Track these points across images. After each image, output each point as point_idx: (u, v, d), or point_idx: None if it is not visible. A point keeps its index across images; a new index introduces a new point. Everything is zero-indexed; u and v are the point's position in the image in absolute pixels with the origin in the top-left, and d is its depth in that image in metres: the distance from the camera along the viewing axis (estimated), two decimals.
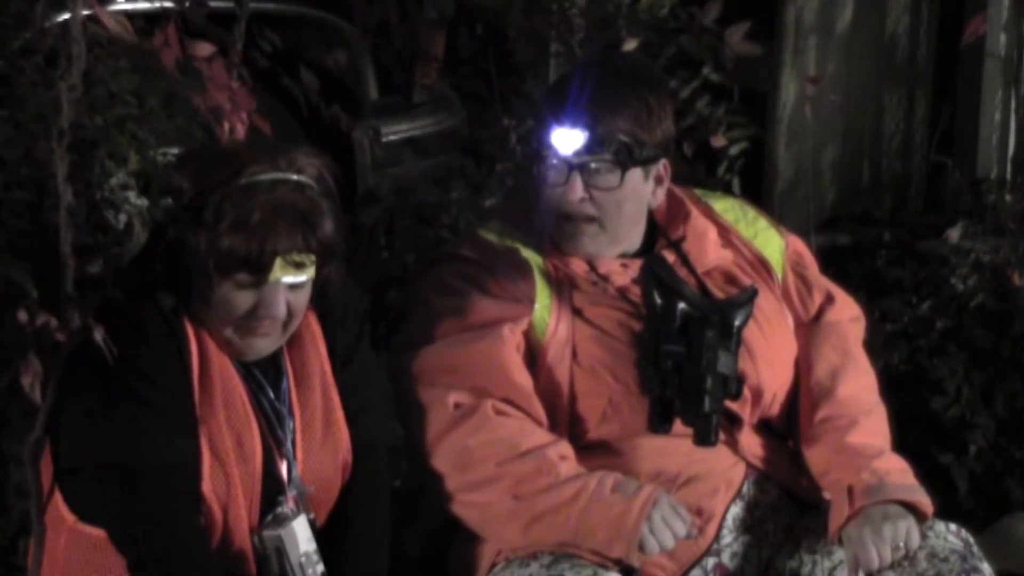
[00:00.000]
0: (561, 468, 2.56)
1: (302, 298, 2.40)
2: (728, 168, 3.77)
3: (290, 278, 2.35)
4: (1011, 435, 3.77)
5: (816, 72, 4.46)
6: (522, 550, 2.60)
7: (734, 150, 3.75)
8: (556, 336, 2.64)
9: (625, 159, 2.65)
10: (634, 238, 2.76)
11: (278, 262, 2.32)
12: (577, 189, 2.65)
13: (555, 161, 2.66)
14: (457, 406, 2.59)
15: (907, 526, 2.58)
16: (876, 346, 3.73)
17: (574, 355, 2.65)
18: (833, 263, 3.98)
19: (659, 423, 2.58)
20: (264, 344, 2.41)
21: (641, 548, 2.49)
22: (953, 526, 2.67)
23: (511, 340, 2.63)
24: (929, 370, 3.81)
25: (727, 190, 3.68)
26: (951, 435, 3.74)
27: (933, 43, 4.83)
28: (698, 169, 3.76)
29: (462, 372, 2.61)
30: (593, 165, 2.64)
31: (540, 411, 2.62)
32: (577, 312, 2.67)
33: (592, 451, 2.64)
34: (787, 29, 4.57)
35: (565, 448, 2.60)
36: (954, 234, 4.10)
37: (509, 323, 2.63)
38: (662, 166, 2.72)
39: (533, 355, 2.65)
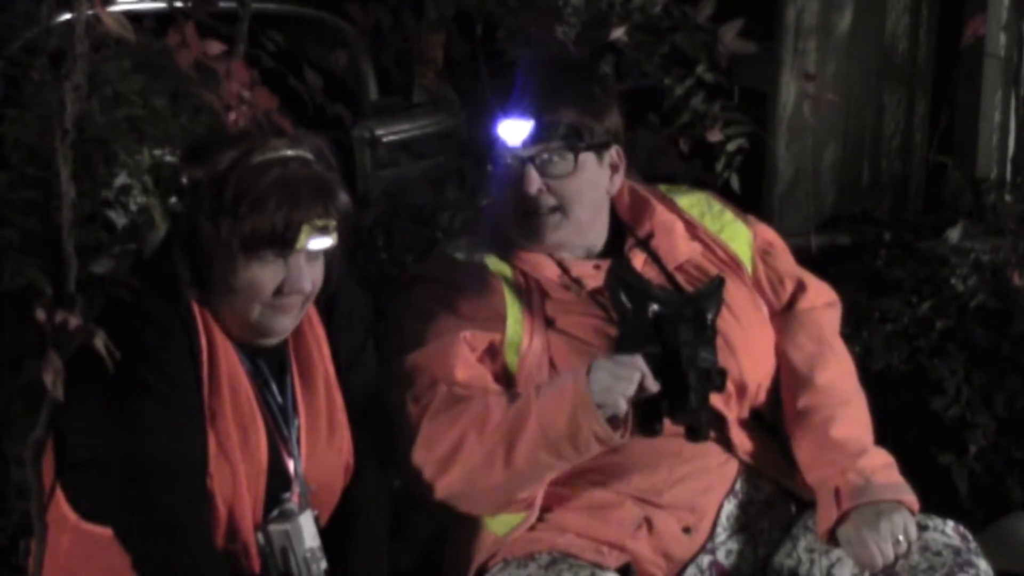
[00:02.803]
0: (504, 397, 2.55)
1: (319, 271, 2.42)
2: (726, 165, 3.75)
3: (316, 242, 2.37)
4: (1011, 435, 3.76)
5: (816, 72, 4.45)
6: (517, 493, 2.57)
7: (731, 146, 3.73)
8: (532, 349, 2.64)
9: (575, 143, 2.66)
10: (599, 230, 2.77)
11: (304, 229, 2.34)
12: (534, 180, 2.65)
13: (507, 158, 2.66)
14: (416, 399, 2.58)
15: (902, 518, 2.59)
16: (876, 346, 3.74)
17: (552, 366, 2.64)
18: (833, 263, 3.98)
19: (649, 425, 2.54)
20: (288, 322, 2.43)
21: (606, 413, 2.46)
22: (951, 522, 2.68)
23: (464, 341, 2.62)
24: (929, 370, 3.80)
25: (726, 187, 3.67)
26: (951, 435, 3.73)
27: (933, 43, 4.83)
28: (695, 166, 3.74)
29: (419, 371, 2.61)
30: (546, 154, 2.65)
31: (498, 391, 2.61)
32: (550, 323, 2.66)
33: None
34: (787, 29, 4.57)
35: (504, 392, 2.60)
36: (954, 234, 4.09)
37: (470, 330, 2.63)
38: (615, 152, 2.74)
39: (510, 371, 2.64)
